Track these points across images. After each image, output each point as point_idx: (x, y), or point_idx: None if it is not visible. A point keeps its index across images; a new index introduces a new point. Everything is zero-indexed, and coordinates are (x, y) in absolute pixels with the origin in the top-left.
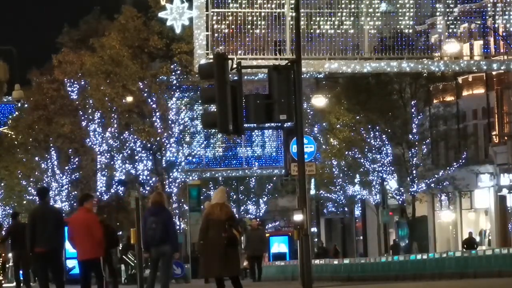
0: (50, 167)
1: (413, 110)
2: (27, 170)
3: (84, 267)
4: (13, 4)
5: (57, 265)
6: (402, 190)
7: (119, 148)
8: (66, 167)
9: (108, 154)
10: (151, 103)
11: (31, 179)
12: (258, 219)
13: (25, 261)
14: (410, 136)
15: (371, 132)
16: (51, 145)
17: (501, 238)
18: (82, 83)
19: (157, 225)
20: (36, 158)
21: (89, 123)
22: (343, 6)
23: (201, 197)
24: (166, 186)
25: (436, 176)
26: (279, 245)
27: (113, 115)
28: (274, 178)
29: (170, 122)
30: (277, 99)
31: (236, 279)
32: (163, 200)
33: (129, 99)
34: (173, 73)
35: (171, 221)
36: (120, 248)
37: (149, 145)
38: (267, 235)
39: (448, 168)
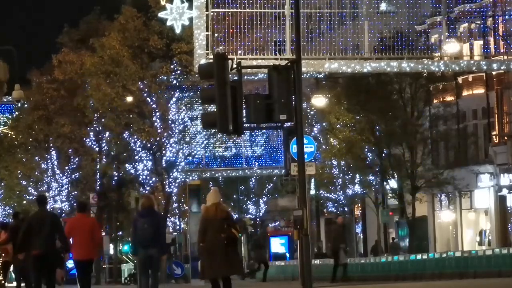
0: (50, 167)
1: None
2: (27, 170)
3: (82, 267)
4: (13, 4)
5: (51, 268)
6: (402, 190)
7: (119, 149)
8: (66, 167)
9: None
10: (151, 103)
11: (31, 179)
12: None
13: (26, 261)
14: (410, 136)
15: (371, 132)
16: (51, 145)
17: (501, 238)
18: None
19: (149, 226)
20: (36, 158)
21: (90, 126)
22: (343, 6)
23: (203, 197)
24: (166, 186)
25: (436, 176)
26: (279, 245)
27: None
28: (274, 178)
29: (170, 122)
30: (277, 99)
31: (228, 279)
32: (152, 204)
33: (129, 99)
34: (173, 73)
35: (162, 224)
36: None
37: (149, 145)
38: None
39: (448, 168)
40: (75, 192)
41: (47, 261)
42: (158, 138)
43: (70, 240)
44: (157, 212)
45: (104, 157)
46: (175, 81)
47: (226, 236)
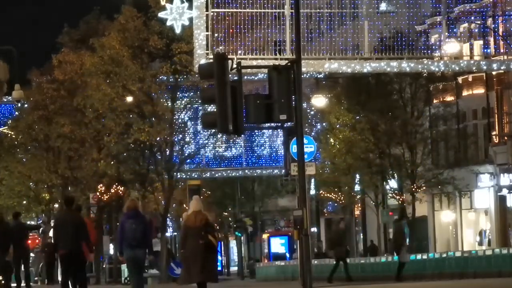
0: (50, 167)
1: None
2: (27, 170)
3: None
4: (13, 4)
5: (79, 265)
6: (402, 190)
7: (119, 149)
8: (66, 167)
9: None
10: (151, 103)
11: (31, 178)
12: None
13: (26, 260)
14: (410, 136)
15: (371, 132)
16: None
17: (501, 238)
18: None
19: (137, 226)
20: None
21: (91, 126)
22: (343, 6)
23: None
24: (166, 186)
25: (436, 176)
26: (279, 245)
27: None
28: (274, 178)
29: (170, 122)
30: (277, 99)
31: (204, 284)
32: (137, 206)
33: (129, 99)
34: (173, 73)
35: (149, 226)
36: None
37: (149, 145)
38: (267, 235)
39: (448, 168)
40: (75, 192)
41: (72, 260)
42: (158, 138)
43: None
44: (142, 214)
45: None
46: (174, 81)
47: (204, 243)
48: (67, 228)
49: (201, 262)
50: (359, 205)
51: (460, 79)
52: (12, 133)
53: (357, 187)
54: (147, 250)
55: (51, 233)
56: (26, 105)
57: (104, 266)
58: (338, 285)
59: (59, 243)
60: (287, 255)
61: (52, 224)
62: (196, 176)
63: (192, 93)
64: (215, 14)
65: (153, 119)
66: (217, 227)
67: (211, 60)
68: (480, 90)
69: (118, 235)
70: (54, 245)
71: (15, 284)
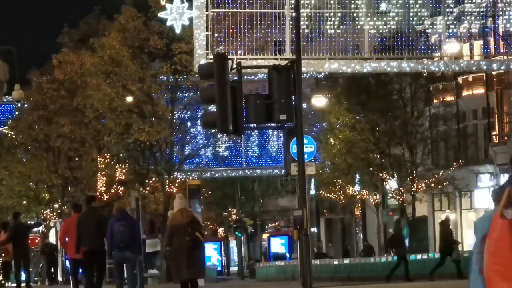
0: (50, 167)
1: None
2: (27, 170)
3: (76, 265)
4: (13, 4)
5: (99, 262)
6: (402, 190)
7: (119, 149)
8: (66, 167)
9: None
10: (151, 103)
11: (31, 178)
12: None
13: (26, 261)
14: (410, 136)
15: (371, 132)
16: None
17: None
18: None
19: (125, 228)
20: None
21: (91, 126)
22: (343, 6)
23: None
24: (166, 186)
25: (436, 176)
26: (279, 245)
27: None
28: (274, 178)
29: (170, 122)
30: (277, 99)
31: (195, 282)
32: (125, 207)
33: (129, 99)
34: (173, 73)
35: (137, 227)
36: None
37: (149, 144)
38: (267, 235)
39: (448, 168)
40: (75, 192)
41: (94, 257)
42: (158, 138)
43: (66, 239)
44: (131, 215)
45: (103, 155)
46: (174, 81)
47: (191, 239)
48: (89, 226)
49: (187, 259)
50: (359, 205)
51: (460, 79)
52: (12, 133)
53: (357, 187)
54: (136, 251)
55: (51, 234)
56: (26, 105)
57: None
58: (338, 285)
59: (81, 241)
60: (287, 255)
61: (51, 225)
62: (196, 176)
63: (192, 93)
64: (215, 14)
65: (153, 119)
66: (216, 226)
67: (211, 60)
68: (480, 90)
69: (108, 237)
70: (77, 243)
71: (15, 284)
